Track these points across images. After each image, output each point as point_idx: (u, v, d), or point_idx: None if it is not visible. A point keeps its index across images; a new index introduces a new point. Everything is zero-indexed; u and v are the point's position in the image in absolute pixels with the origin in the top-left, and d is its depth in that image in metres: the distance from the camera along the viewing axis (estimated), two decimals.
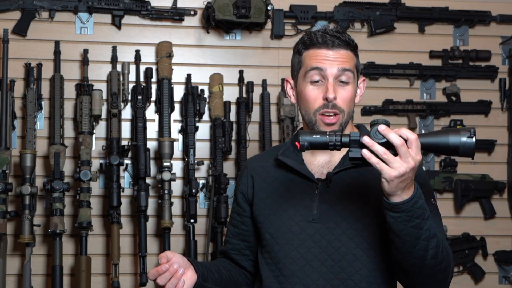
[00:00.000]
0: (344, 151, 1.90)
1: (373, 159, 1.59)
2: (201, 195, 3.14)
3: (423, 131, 3.34)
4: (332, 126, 1.86)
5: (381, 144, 1.60)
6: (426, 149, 1.64)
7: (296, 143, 1.67)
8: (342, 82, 1.86)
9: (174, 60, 3.15)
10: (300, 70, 1.91)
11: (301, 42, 1.91)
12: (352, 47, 1.88)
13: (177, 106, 3.17)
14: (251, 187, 2.00)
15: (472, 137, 1.61)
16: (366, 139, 1.60)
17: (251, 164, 2.05)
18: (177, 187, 3.12)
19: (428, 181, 1.94)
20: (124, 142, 3.05)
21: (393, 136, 1.59)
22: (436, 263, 1.72)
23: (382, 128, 1.60)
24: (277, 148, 2.04)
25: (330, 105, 1.85)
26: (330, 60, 1.85)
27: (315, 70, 1.86)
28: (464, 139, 1.61)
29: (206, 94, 3.17)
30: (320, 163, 1.93)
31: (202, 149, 3.17)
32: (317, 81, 1.87)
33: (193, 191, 3.02)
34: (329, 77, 1.85)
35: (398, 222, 1.66)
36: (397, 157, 1.59)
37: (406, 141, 1.59)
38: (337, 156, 1.92)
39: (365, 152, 1.60)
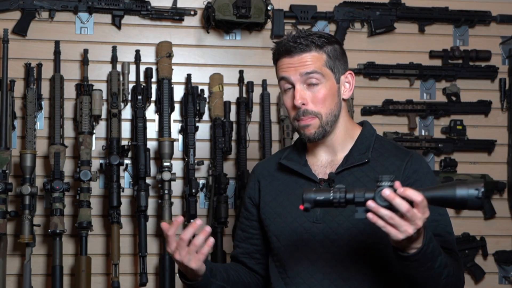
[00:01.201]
0: (347, 150, 1.92)
1: (379, 223, 1.56)
2: (201, 195, 3.14)
3: (423, 132, 3.35)
4: (309, 128, 1.88)
5: (386, 207, 1.55)
6: (432, 203, 1.59)
7: (300, 206, 1.64)
8: (310, 84, 1.87)
9: (174, 60, 3.15)
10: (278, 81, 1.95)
11: (272, 54, 1.95)
12: (316, 46, 1.87)
13: (177, 106, 3.17)
14: (257, 191, 2.03)
15: (479, 190, 1.55)
16: (370, 204, 1.55)
17: (258, 168, 2.08)
18: (177, 187, 3.12)
19: (435, 178, 1.94)
20: (124, 142, 3.05)
21: (398, 202, 1.54)
22: (447, 285, 1.74)
23: (386, 193, 1.54)
24: (283, 151, 2.06)
25: (301, 112, 1.87)
26: (293, 67, 1.87)
27: (283, 80, 1.90)
28: (471, 191, 1.55)
29: (206, 94, 3.17)
30: (323, 163, 1.94)
31: (202, 149, 3.17)
32: (289, 90, 1.90)
33: (193, 191, 3.02)
34: (295, 84, 1.87)
35: (409, 269, 1.67)
36: (404, 220, 1.55)
37: (411, 202, 1.55)
38: (340, 154, 1.92)
39: (370, 216, 1.56)
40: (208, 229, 1.75)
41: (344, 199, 1.60)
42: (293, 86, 1.88)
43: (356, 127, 1.98)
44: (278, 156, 2.04)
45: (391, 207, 1.55)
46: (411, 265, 1.65)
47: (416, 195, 1.54)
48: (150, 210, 3.06)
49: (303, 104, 1.86)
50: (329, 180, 1.89)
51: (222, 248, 3.05)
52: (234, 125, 3.18)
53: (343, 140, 1.93)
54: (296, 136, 3.15)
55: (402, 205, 1.54)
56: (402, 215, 1.55)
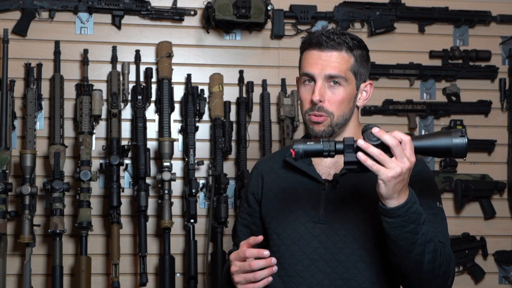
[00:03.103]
0: None
1: (368, 162, 1.60)
2: (201, 195, 3.14)
3: (423, 131, 3.35)
4: (319, 126, 1.88)
5: (376, 146, 1.61)
6: (419, 152, 1.65)
7: (291, 150, 1.66)
8: (332, 84, 1.87)
9: (174, 60, 3.15)
10: (299, 70, 1.94)
11: (301, 42, 1.94)
12: (347, 48, 1.88)
13: (177, 106, 3.17)
14: (260, 188, 2.02)
15: (463, 137, 1.62)
16: (360, 142, 1.61)
17: (261, 165, 2.07)
18: (177, 187, 3.12)
19: (435, 183, 1.95)
20: (124, 142, 3.05)
21: (388, 137, 1.60)
22: (434, 267, 1.73)
23: (376, 130, 1.61)
24: (287, 149, 2.05)
25: (316, 107, 1.87)
26: (321, 63, 1.86)
27: (306, 71, 1.89)
28: (456, 140, 1.62)
29: (206, 94, 3.17)
30: (328, 164, 1.94)
31: (202, 149, 3.17)
32: (308, 82, 1.89)
33: (193, 191, 3.02)
34: (317, 79, 1.87)
35: (393, 228, 1.67)
36: (393, 158, 1.60)
37: (400, 142, 1.61)
38: None
39: (360, 155, 1.60)
40: (274, 260, 1.74)
41: (334, 148, 1.64)
42: (314, 81, 1.87)
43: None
44: (283, 153, 2.03)
45: (380, 147, 1.60)
46: (396, 223, 1.66)
47: (403, 135, 1.61)
48: (150, 210, 3.06)
49: (320, 101, 1.86)
50: (333, 181, 1.90)
51: (222, 248, 3.04)
52: (234, 125, 3.18)
53: None
54: (296, 136, 3.16)
55: (391, 140, 1.59)
56: (391, 156, 1.60)
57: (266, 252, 1.74)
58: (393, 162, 1.59)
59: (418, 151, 1.64)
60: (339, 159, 1.92)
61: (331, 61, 1.86)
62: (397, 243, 1.69)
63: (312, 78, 1.88)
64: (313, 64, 1.87)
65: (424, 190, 1.87)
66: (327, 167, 1.94)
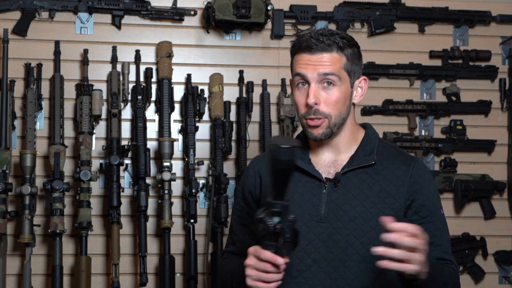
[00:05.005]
0: (352, 150, 1.92)
1: (394, 265, 1.63)
2: (201, 195, 3.14)
3: (423, 132, 3.35)
4: (317, 129, 1.87)
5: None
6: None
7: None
8: (325, 85, 1.85)
9: (174, 60, 3.15)
10: (291, 73, 1.93)
11: (291, 46, 1.93)
12: (338, 48, 1.86)
13: (177, 106, 3.17)
14: (258, 187, 2.00)
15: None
16: (379, 249, 1.63)
17: (258, 164, 2.04)
18: (177, 187, 3.12)
19: (436, 186, 1.96)
20: (124, 142, 3.05)
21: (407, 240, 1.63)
22: None
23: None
24: None
25: (312, 111, 1.85)
26: (312, 65, 1.85)
27: (298, 75, 1.87)
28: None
29: (206, 94, 3.17)
30: (326, 162, 1.93)
31: (202, 149, 3.17)
32: (302, 86, 1.87)
33: (193, 191, 3.02)
34: (310, 82, 1.85)
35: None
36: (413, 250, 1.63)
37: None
38: (344, 155, 1.92)
39: (383, 263, 1.64)
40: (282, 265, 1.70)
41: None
42: (308, 84, 1.86)
43: (360, 130, 1.98)
44: None
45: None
46: (424, 286, 1.72)
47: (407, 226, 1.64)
48: (150, 210, 3.06)
49: (316, 103, 1.84)
50: (335, 180, 1.89)
51: (222, 248, 3.04)
52: (234, 125, 3.18)
53: (348, 141, 1.93)
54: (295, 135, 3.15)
55: (408, 241, 1.63)
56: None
57: (280, 260, 1.68)
58: (415, 255, 1.62)
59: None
60: (338, 158, 1.93)
61: (323, 61, 1.84)
62: None
63: (305, 80, 1.86)
64: (305, 65, 1.85)
65: (429, 198, 1.89)
66: (326, 165, 1.92)
